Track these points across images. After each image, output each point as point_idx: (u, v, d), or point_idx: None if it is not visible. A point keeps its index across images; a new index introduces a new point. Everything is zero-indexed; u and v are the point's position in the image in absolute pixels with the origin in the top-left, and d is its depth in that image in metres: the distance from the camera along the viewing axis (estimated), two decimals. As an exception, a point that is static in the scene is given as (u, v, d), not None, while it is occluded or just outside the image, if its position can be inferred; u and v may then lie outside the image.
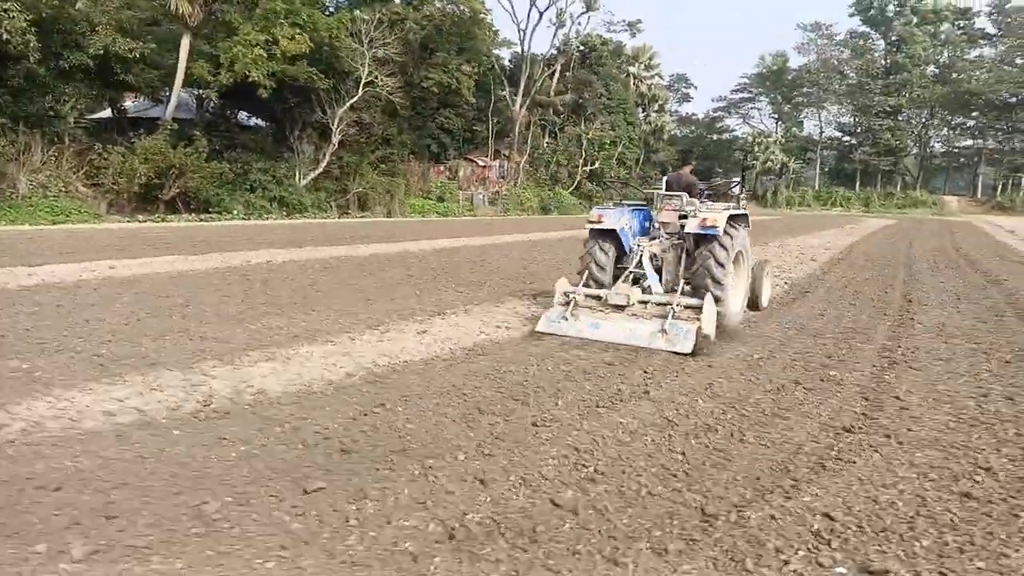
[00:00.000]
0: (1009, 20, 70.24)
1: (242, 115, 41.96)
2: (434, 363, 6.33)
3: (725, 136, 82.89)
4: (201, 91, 35.40)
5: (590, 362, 6.48)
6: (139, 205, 28.69)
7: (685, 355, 6.82)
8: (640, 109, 66.43)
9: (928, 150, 76.08)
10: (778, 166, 70.19)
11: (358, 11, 39.21)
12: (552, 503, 3.55)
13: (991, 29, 73.48)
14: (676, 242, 8.49)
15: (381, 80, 37.25)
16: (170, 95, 31.84)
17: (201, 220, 28.43)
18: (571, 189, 53.83)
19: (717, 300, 7.52)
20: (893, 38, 72.49)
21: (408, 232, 23.87)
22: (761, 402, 5.32)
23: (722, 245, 7.81)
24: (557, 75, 60.48)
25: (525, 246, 19.76)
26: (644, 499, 3.61)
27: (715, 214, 7.89)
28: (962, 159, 75.63)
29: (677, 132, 77.02)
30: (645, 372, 6.16)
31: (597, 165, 54.69)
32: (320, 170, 36.76)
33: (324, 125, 36.87)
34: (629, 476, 3.90)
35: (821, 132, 78.95)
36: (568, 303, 7.80)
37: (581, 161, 53.97)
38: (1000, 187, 70.25)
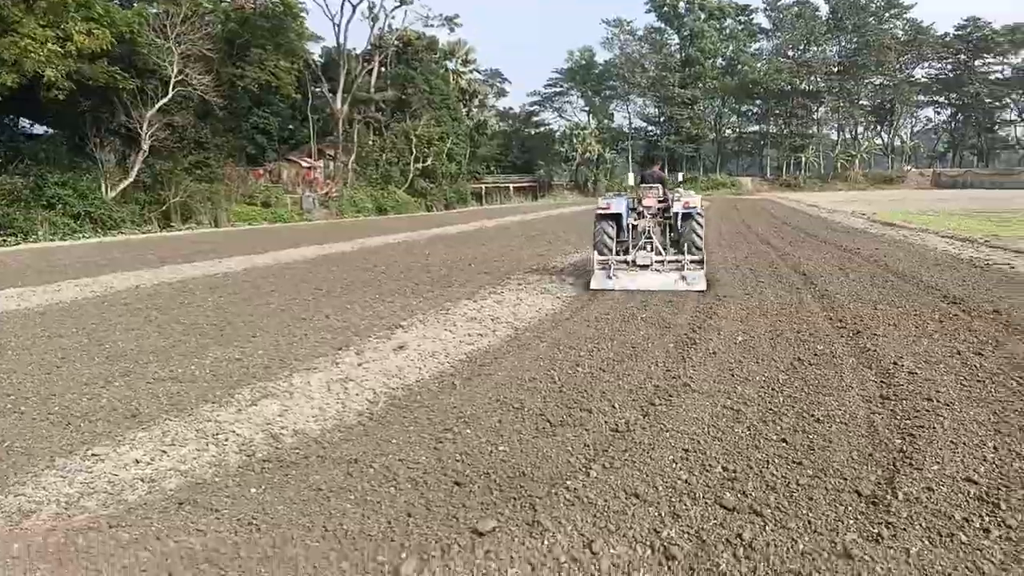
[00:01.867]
0: (782, 16, 79.91)
1: (23, 123, 36.79)
2: (448, 379, 5.93)
3: (542, 129, 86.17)
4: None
5: (598, 359, 6.40)
6: (-98, 231, 24.34)
7: (701, 291, 9.91)
8: (461, 105, 67.00)
9: (722, 136, 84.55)
10: (595, 156, 74.31)
11: (155, 3, 35.64)
12: (722, 506, 3.49)
13: (767, 24, 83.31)
14: (660, 220, 11.43)
15: (194, 78, 34.23)
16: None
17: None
18: (405, 187, 53.09)
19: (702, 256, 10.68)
20: (685, 33, 79.46)
21: (260, 242, 22.23)
22: (791, 382, 5.55)
23: (698, 220, 10.85)
24: (376, 71, 59.32)
25: (401, 248, 19.22)
26: (800, 490, 3.66)
27: (693, 199, 11.09)
28: (750, 143, 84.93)
29: (497, 126, 78.81)
30: (658, 365, 6.22)
31: (429, 162, 54.33)
32: (131, 180, 33.16)
33: (128, 130, 33.27)
34: (762, 470, 3.92)
35: (630, 123, 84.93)
36: (607, 267, 10.59)
37: (412, 158, 53.39)
38: (784, 167, 79.91)
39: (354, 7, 54.13)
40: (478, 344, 7.21)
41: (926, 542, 3.10)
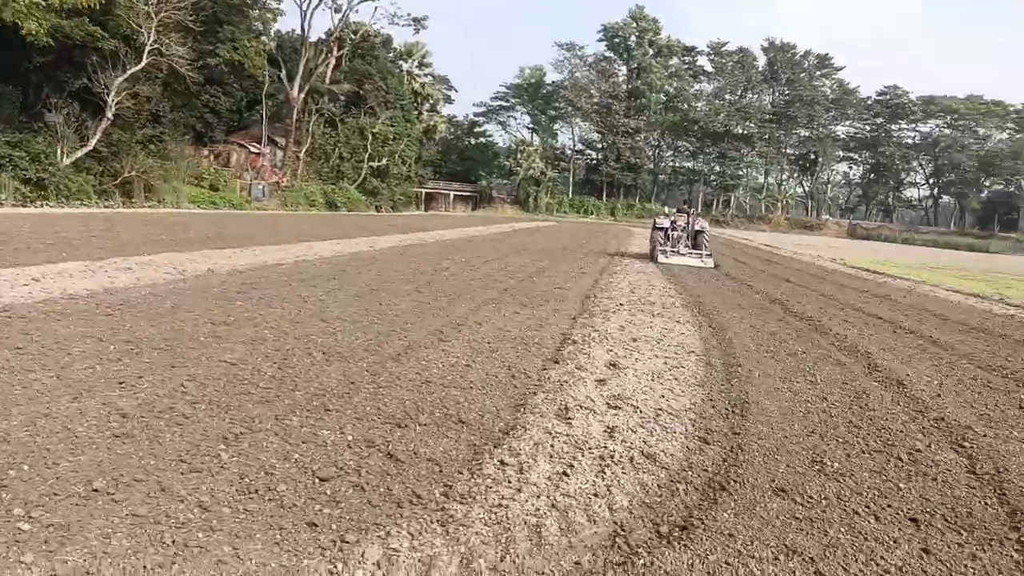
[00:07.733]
0: (724, 61, 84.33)
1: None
2: (717, 405, 6.07)
3: (483, 140, 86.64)
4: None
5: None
6: None
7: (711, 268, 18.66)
8: (414, 107, 66.52)
9: (659, 168, 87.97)
10: (538, 173, 75.36)
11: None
12: None
13: (709, 68, 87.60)
14: (685, 232, 20.73)
15: (172, 49, 32.60)
16: None
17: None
18: (356, 185, 52.11)
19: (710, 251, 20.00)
20: (634, 66, 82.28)
21: (258, 230, 21.38)
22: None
23: (706, 233, 20.78)
24: (334, 63, 58.14)
25: (433, 249, 19.05)
26: None
27: (703, 223, 21.38)
28: (682, 177, 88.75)
29: (443, 133, 78.65)
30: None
31: (384, 161, 53.55)
32: (89, 148, 31.15)
33: (90, 94, 31.30)
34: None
35: (574, 145, 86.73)
36: (664, 252, 19.88)
37: (366, 156, 52.51)
38: (714, 203, 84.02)
39: (321, -5, 52.92)
40: (687, 369, 7.34)
41: None
